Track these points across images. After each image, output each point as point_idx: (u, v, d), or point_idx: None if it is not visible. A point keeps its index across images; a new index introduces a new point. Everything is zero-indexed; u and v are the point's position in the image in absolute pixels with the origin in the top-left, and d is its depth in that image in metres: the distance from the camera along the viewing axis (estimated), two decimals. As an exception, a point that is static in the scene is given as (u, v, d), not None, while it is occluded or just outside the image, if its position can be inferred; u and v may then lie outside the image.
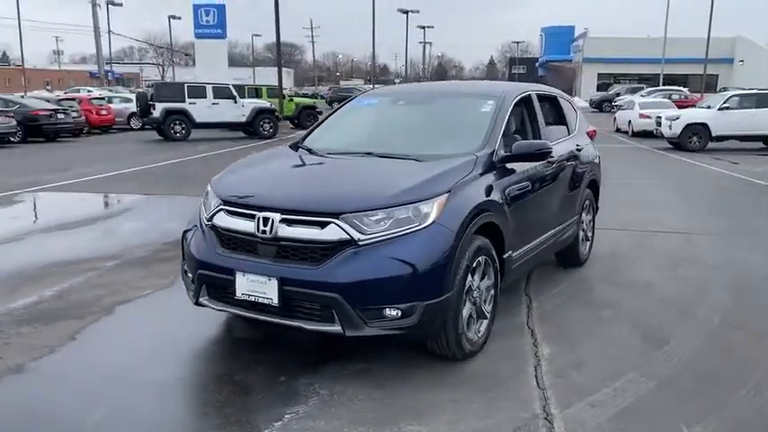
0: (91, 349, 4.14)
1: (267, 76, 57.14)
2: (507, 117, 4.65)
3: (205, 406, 3.40)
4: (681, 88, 38.80)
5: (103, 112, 24.86)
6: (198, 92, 21.36)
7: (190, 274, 4.01)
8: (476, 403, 3.42)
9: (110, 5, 47.91)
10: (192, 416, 3.32)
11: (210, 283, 3.84)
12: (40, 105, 21.09)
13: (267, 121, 22.37)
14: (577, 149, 5.79)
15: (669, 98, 29.90)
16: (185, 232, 4.16)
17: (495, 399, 3.47)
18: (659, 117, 19.91)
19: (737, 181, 12.41)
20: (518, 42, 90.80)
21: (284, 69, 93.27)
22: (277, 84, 27.39)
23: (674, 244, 7.07)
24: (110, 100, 26.85)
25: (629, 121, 24.39)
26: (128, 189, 10.81)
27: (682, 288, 5.51)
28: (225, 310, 3.82)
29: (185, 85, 21.97)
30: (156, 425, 3.21)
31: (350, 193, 3.69)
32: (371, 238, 3.47)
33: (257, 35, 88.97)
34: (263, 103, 23.41)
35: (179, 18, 57.48)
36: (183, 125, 21.08)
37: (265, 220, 3.61)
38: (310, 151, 4.69)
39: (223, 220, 3.85)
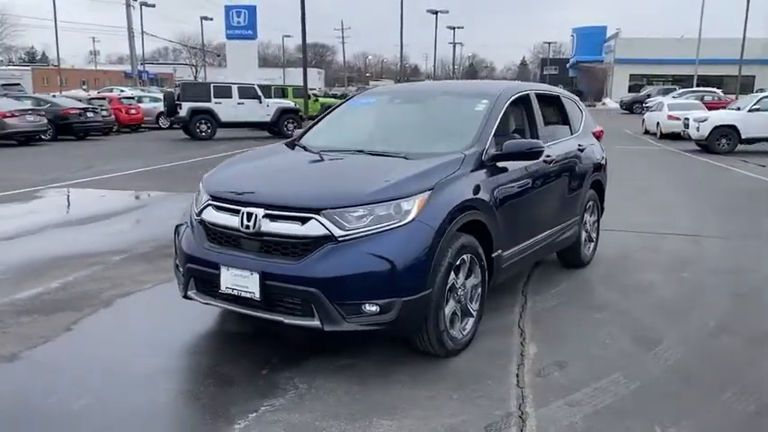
0: (83, 340, 4.25)
1: (298, 77, 57.65)
2: (501, 116, 4.64)
3: (184, 396, 3.47)
4: (714, 89, 38.05)
5: (133, 112, 25.33)
6: (223, 92, 21.66)
7: (180, 269, 4.09)
8: (453, 400, 3.43)
9: (143, 6, 48.70)
10: (169, 406, 3.38)
11: (198, 276, 3.92)
12: (71, 104, 21.59)
13: (291, 120, 22.57)
14: (579, 149, 5.75)
15: (701, 100, 29.32)
16: (178, 227, 4.25)
17: (473, 396, 3.48)
18: (687, 119, 19.56)
19: (762, 184, 12.15)
20: (550, 43, 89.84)
21: (315, 70, 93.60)
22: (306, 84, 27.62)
23: (682, 247, 6.97)
24: (139, 99, 27.36)
25: (658, 123, 24.01)
26: (147, 186, 11.03)
27: (682, 291, 5.44)
28: (211, 304, 3.90)
29: (211, 85, 22.30)
30: (132, 414, 3.28)
31: (331, 189, 3.74)
32: (351, 234, 3.51)
33: (288, 36, 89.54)
34: (288, 103, 23.63)
35: (211, 19, 58.29)
36: (209, 124, 21.38)
37: (249, 215, 3.67)
38: (305, 148, 4.75)
39: (211, 216, 3.92)
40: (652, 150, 19.27)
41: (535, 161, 4.81)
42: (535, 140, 4.52)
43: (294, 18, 30.65)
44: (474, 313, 4.13)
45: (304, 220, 3.56)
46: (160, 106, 26.36)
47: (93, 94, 30.32)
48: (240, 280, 3.65)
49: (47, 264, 5.91)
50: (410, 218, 3.59)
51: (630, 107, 40.99)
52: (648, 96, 38.85)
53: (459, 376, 3.72)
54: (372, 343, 4.09)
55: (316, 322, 3.51)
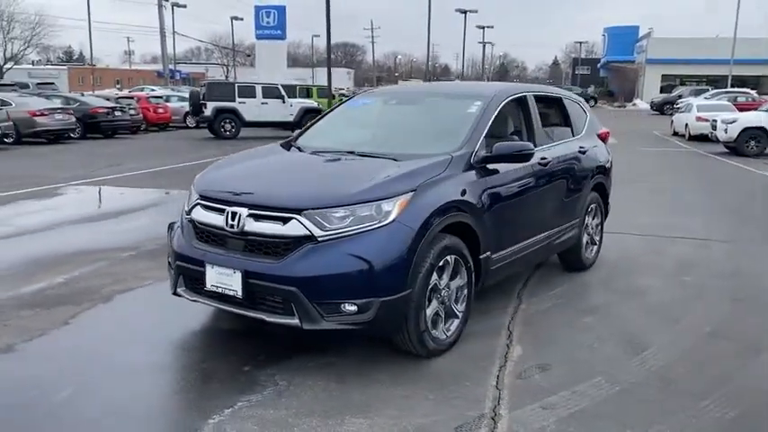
0: (78, 333, 4.38)
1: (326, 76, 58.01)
2: (493, 118, 4.65)
3: (166, 390, 3.57)
4: (748, 90, 37.18)
5: (160, 111, 25.78)
6: (247, 91, 21.92)
7: (172, 266, 4.19)
8: (428, 400, 3.46)
9: (174, 7, 49.45)
10: (149, 399, 3.48)
11: (186, 274, 4.01)
12: (99, 103, 22.05)
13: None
14: (581, 151, 5.72)
15: (734, 101, 28.68)
16: (171, 225, 4.35)
17: (449, 397, 3.50)
18: (715, 120, 19.21)
19: (785, 188, 11.89)
20: (581, 42, 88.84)
21: (344, 70, 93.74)
22: (336, 84, 27.78)
23: (690, 251, 6.87)
24: (167, 99, 27.80)
25: (686, 125, 23.59)
26: (165, 184, 11.24)
27: (681, 296, 5.38)
28: (198, 301, 3.98)
29: (235, 84, 22.59)
30: (110, 406, 3.37)
31: (313, 190, 3.79)
32: (331, 235, 3.56)
33: (317, 36, 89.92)
34: (311, 102, 23.82)
35: (241, 19, 58.90)
36: (233, 124, 21.66)
37: (233, 214, 3.75)
38: (299, 149, 4.82)
39: (199, 215, 4.01)
40: (678, 152, 18.96)
41: (530, 163, 4.80)
42: (525, 143, 4.51)
43: (323, 18, 30.85)
44: (459, 314, 4.15)
45: (285, 220, 3.62)
46: (187, 105, 26.74)
47: (123, 93, 30.85)
48: (224, 278, 3.73)
49: (56, 259, 6.08)
50: (391, 219, 3.63)
51: (661, 108, 40.32)
52: (680, 97, 38.13)
53: (438, 377, 3.75)
54: (356, 342, 4.13)
55: (295, 321, 3.57)
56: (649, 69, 54.94)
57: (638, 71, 57.78)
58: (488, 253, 4.36)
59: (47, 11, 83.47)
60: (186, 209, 4.17)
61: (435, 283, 3.89)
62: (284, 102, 22.24)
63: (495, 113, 4.69)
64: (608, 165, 6.37)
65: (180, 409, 3.35)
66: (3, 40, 58.34)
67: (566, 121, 5.88)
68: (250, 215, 3.71)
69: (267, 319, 3.66)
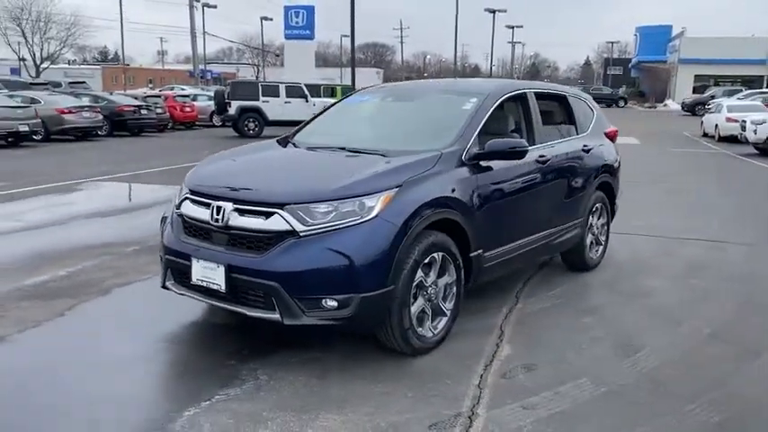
0: (71, 325, 4.44)
1: (357, 76, 58.20)
2: (488, 115, 4.59)
3: (147, 382, 3.61)
4: (784, 91, 36.26)
5: (187, 109, 26.10)
6: (271, 90, 22.08)
7: (162, 259, 4.23)
8: (407, 398, 3.43)
9: (204, 7, 50.05)
10: (129, 391, 3.49)
11: (174, 267, 4.04)
12: (126, 102, 22.42)
13: (337, 119, 22.76)
14: (584, 150, 5.62)
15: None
16: (164, 218, 4.38)
17: (428, 395, 3.47)
18: (744, 121, 18.77)
19: (811, 190, 11.55)
20: (613, 42, 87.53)
21: (374, 69, 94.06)
22: (365, 83, 27.87)
23: (702, 253, 6.71)
24: (194, 98, 28.13)
25: (716, 125, 23.08)
26: (181, 181, 11.34)
27: (685, 298, 5.25)
28: (184, 295, 4.00)
29: (259, 83, 22.78)
30: (90, 396, 3.42)
31: (297, 185, 3.79)
32: (313, 230, 3.55)
33: (345, 36, 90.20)
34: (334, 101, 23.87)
35: (270, 19, 59.38)
36: (257, 122, 21.83)
37: (218, 208, 3.77)
38: (294, 145, 4.83)
39: (188, 209, 4.04)
40: (705, 153, 18.56)
41: (527, 161, 4.74)
42: (518, 140, 4.44)
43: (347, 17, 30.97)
44: (447, 312, 4.11)
45: (268, 215, 3.62)
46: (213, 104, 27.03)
47: (151, 92, 31.30)
48: (209, 272, 3.75)
49: (63, 253, 6.19)
50: (373, 214, 3.60)
51: (693, 109, 39.53)
52: (713, 98, 37.36)
53: (420, 374, 3.71)
54: (342, 338, 4.12)
55: (276, 316, 3.57)
56: (682, 69, 53.91)
57: (670, 71, 56.73)
58: (480, 251, 4.31)
59: (82, 11, 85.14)
60: (176, 203, 4.20)
61: (421, 281, 3.85)
62: (307, 101, 22.33)
63: (491, 110, 4.63)
64: (615, 164, 6.26)
65: (158, 400, 3.37)
66: (40, 41, 59.73)
67: (570, 118, 5.79)
68: (235, 210, 3.73)
69: (249, 313, 3.67)
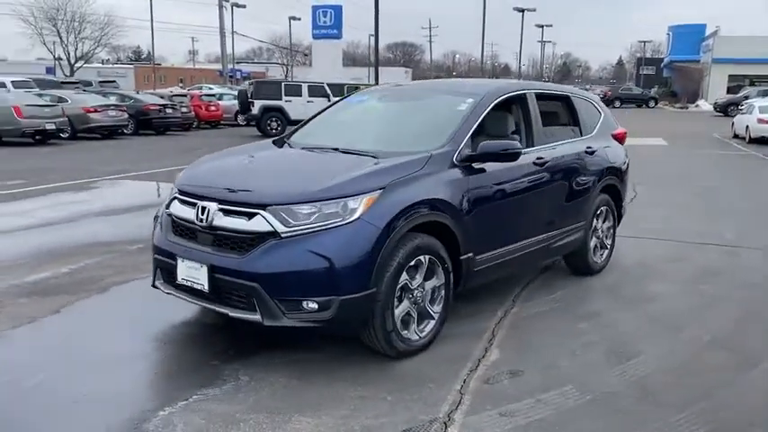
0: (64, 322, 4.49)
1: (385, 76, 58.25)
2: (483, 116, 4.52)
3: (129, 381, 3.61)
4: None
5: (212, 108, 26.35)
6: (294, 90, 22.20)
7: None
8: (385, 401, 3.39)
9: (234, 7, 50.51)
10: (110, 388, 3.50)
11: (162, 267, 4.06)
12: (152, 101, 22.71)
13: (359, 118, 22.79)
14: (588, 152, 5.51)
15: (804, 102, 27.21)
16: (156, 217, 4.41)
17: (407, 399, 3.42)
18: (774, 122, 18.30)
19: (839, 194, 11.20)
20: (645, 42, 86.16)
21: (402, 69, 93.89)
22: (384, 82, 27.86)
23: (714, 257, 6.54)
24: (220, 97, 28.38)
25: (747, 127, 22.52)
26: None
27: (689, 304, 5.12)
28: (172, 294, 4.01)
29: (282, 83, 22.90)
30: (72, 393, 3.44)
31: (280, 186, 3.77)
32: (294, 231, 3.53)
33: (373, 35, 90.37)
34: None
35: (299, 19, 59.74)
36: (279, 122, 21.95)
37: (203, 209, 3.77)
38: (289, 146, 4.82)
39: (176, 209, 4.05)
40: (734, 155, 18.11)
41: (524, 162, 4.67)
42: (511, 141, 4.36)
43: (382, 18, 31.00)
44: (435, 316, 4.06)
45: (251, 216, 3.61)
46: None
47: (177, 91, 31.65)
48: (193, 272, 3.76)
49: (67, 250, 6.28)
50: (355, 216, 3.57)
51: (725, 110, 38.61)
52: (746, 98, 36.48)
53: (402, 378, 3.67)
54: (331, 340, 4.09)
55: (257, 317, 3.56)
56: (715, 69, 52.75)
57: (703, 71, 55.58)
58: (471, 254, 4.24)
59: (116, 12, 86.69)
60: (166, 203, 4.22)
61: (406, 283, 3.81)
62: (329, 100, 22.33)
63: (486, 112, 4.56)
64: (623, 166, 6.12)
65: (138, 399, 3.38)
66: (74, 40, 60.99)
67: (573, 120, 5.68)
68: (220, 210, 3.72)
69: (231, 314, 3.66)
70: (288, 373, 3.69)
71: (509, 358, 3.99)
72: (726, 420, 3.30)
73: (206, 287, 3.69)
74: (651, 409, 3.38)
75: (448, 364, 3.88)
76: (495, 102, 4.69)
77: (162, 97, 24.39)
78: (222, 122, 27.48)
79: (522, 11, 53.47)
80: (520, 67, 64.65)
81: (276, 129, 21.96)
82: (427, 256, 3.91)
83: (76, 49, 60.94)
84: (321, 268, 3.48)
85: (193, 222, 3.83)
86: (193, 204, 3.87)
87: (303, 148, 4.60)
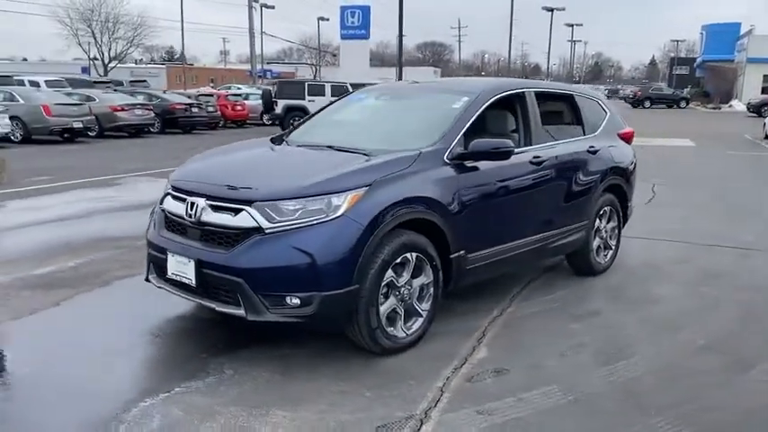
0: (63, 315, 4.59)
1: (414, 76, 58.28)
2: (478, 114, 4.51)
3: (117, 373, 3.68)
4: None
5: (238, 108, 26.65)
6: (317, 90, 22.35)
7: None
8: (364, 397, 3.41)
9: (263, 8, 50.98)
10: (97, 379, 3.58)
11: (155, 261, 4.14)
12: (178, 100, 23.06)
13: (381, 117, 22.85)
14: (590, 151, 5.45)
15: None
16: (152, 213, 4.49)
17: (386, 395, 3.43)
18: (804, 123, 17.86)
19: None
20: (678, 41, 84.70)
21: (431, 68, 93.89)
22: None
23: (724, 260, 6.41)
24: (246, 96, 28.67)
25: (778, 128, 22.06)
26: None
27: (690, 306, 5.03)
28: (163, 288, 4.09)
29: (305, 83, 23.05)
30: (59, 382, 3.54)
31: (266, 182, 3.81)
32: (278, 227, 3.57)
33: (402, 35, 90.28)
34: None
35: (327, 20, 60.07)
36: (302, 121, 22.07)
37: (192, 204, 3.83)
38: (286, 143, 4.86)
39: (168, 204, 4.13)
40: (762, 157, 17.72)
41: (519, 161, 4.66)
42: (503, 140, 4.34)
43: (411, 18, 31.08)
44: (423, 313, 4.06)
45: (237, 211, 3.66)
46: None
47: (204, 90, 32.03)
48: (181, 266, 3.82)
49: (78, 245, 6.42)
50: (339, 213, 3.59)
51: (759, 110, 37.73)
52: (781, 98, 35.65)
53: (385, 374, 3.68)
54: (320, 336, 4.11)
55: (241, 311, 3.61)
56: (750, 69, 51.56)
57: (737, 71, 54.40)
58: (462, 252, 4.24)
59: (149, 12, 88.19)
60: (160, 198, 4.30)
61: (392, 280, 3.82)
62: (352, 100, 22.45)
63: (480, 110, 4.55)
64: (629, 166, 6.03)
65: (122, 390, 3.43)
66: (108, 41, 62.18)
67: (576, 119, 5.63)
68: (209, 206, 3.78)
69: (217, 308, 3.73)
70: (272, 367, 3.73)
71: (496, 357, 3.97)
72: (709, 423, 3.25)
73: (193, 282, 3.75)
74: (633, 410, 3.35)
75: (433, 361, 3.88)
76: (491, 100, 4.67)
77: (188, 97, 24.75)
78: (248, 122, 27.76)
79: (551, 10, 52.98)
80: (548, 67, 64.04)
81: (299, 128, 22.10)
82: (414, 254, 3.91)
83: (110, 49, 62.13)
84: (303, 264, 3.51)
85: (183, 218, 3.90)
86: (184, 200, 3.94)
87: (299, 146, 4.65)
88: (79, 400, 3.37)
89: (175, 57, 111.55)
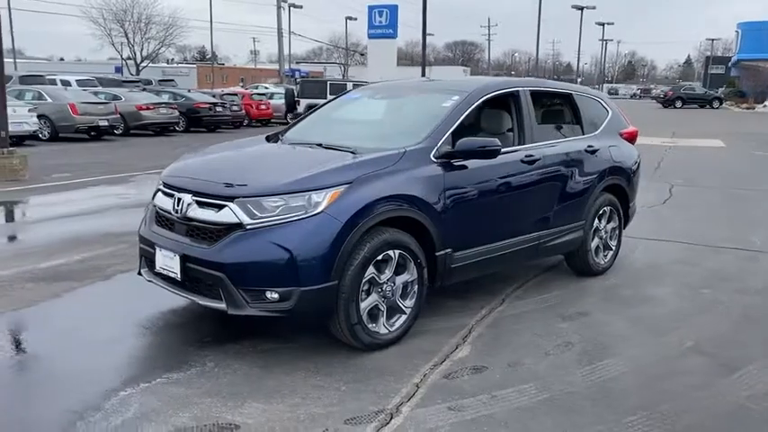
0: (62, 307, 4.73)
1: (441, 74, 58.21)
2: (467, 113, 4.54)
3: (102, 362, 3.77)
4: None
5: (263, 107, 26.90)
6: (339, 89, 22.37)
7: (142, 247, 4.44)
8: (339, 392, 3.46)
9: (291, 8, 51.38)
10: (83, 369, 3.69)
11: (146, 256, 4.25)
12: (202, 99, 23.38)
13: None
14: (588, 150, 5.42)
15: None
16: (146, 208, 4.60)
17: (361, 390, 3.48)
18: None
19: None
20: (713, 39, 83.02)
21: (461, 68, 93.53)
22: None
23: (730, 262, 6.31)
24: (271, 96, 28.93)
25: (810, 128, 21.51)
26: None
27: (687, 308, 4.98)
28: (152, 282, 4.19)
29: (327, 82, 23.20)
30: (48, 373, 3.67)
31: (249, 179, 3.88)
32: (259, 223, 3.64)
33: (430, 34, 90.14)
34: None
35: (355, 19, 60.32)
36: (324, 120, 22.22)
37: (179, 200, 3.93)
38: (280, 141, 4.94)
39: (159, 200, 4.24)
40: (790, 158, 17.30)
41: (510, 160, 4.68)
42: (490, 138, 4.35)
43: (442, 17, 31.02)
44: (407, 310, 4.09)
45: (220, 207, 3.74)
46: (289, 102, 27.68)
47: (229, 89, 32.41)
48: (168, 261, 3.92)
49: (87, 239, 6.59)
50: (318, 210, 3.65)
51: (794, 110, 36.88)
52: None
53: (365, 370, 3.72)
54: (308, 331, 4.16)
55: (222, 305, 3.69)
56: (788, 68, 50.37)
57: (774, 70, 53.14)
58: (448, 250, 4.26)
59: (180, 13, 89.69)
60: (153, 194, 4.40)
61: (373, 277, 3.86)
62: (374, 99, 22.55)
63: (470, 109, 4.57)
64: (633, 166, 5.98)
65: (103, 380, 3.52)
66: (140, 41, 63.34)
67: (575, 118, 5.60)
68: (195, 201, 3.87)
69: (200, 302, 3.82)
70: (254, 361, 3.80)
71: (477, 355, 3.99)
72: (682, 425, 3.23)
73: (179, 276, 3.85)
74: (606, 409, 3.34)
75: (415, 358, 3.91)
76: (482, 99, 4.68)
77: (213, 96, 25.06)
78: (273, 121, 27.99)
79: (582, 9, 52.37)
80: (578, 66, 63.32)
81: (321, 127, 22.27)
82: (397, 251, 3.95)
83: (142, 49, 63.27)
84: (282, 259, 3.58)
85: (170, 213, 4.00)
86: (172, 196, 4.04)
87: (291, 144, 4.72)
88: (62, 388, 3.47)
89: (207, 56, 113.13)
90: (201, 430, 3.05)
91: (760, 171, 13.94)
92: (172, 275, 3.90)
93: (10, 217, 8.33)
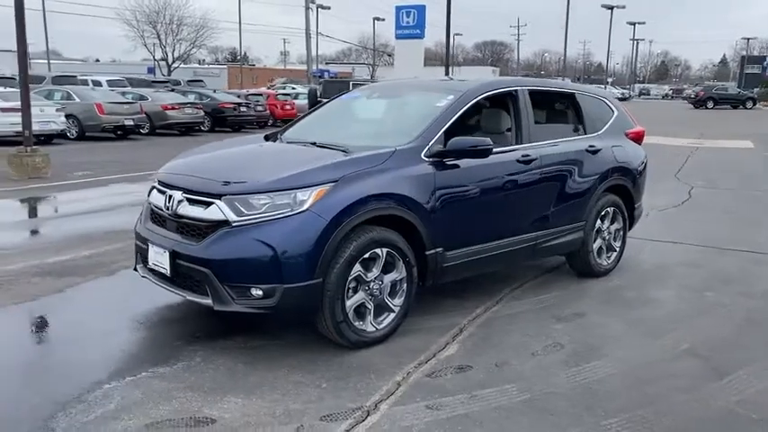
0: (63, 301, 4.85)
1: (470, 74, 57.88)
2: (461, 113, 4.53)
3: (93, 356, 3.86)
4: None
5: (287, 107, 27.06)
6: (362, 89, 22.49)
7: (139, 244, 4.53)
8: (319, 389, 3.49)
9: (319, 9, 51.67)
10: (72, 361, 3.78)
11: (140, 252, 4.33)
12: (227, 99, 23.65)
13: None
14: (589, 150, 5.37)
15: None
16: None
17: (342, 387, 3.50)
18: None
19: None
20: (749, 39, 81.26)
21: (490, 68, 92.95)
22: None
23: (738, 265, 6.18)
24: (296, 96, 29.12)
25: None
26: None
27: (686, 311, 4.90)
28: (146, 278, 4.27)
29: (350, 82, 23.22)
30: (39, 363, 3.78)
31: (237, 176, 3.92)
32: (245, 221, 3.68)
33: (458, 34, 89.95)
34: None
35: (383, 20, 60.36)
36: (347, 120, 22.29)
37: (170, 197, 4.00)
38: (277, 140, 4.99)
39: (153, 197, 4.32)
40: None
41: (506, 160, 4.66)
42: (482, 138, 4.33)
43: (471, 17, 30.91)
44: (395, 309, 4.11)
45: (207, 204, 3.80)
46: (313, 102, 27.81)
47: (254, 90, 32.66)
48: (159, 257, 3.99)
49: (97, 236, 6.73)
50: (303, 208, 3.68)
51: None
52: None
53: (349, 368, 3.74)
54: (298, 329, 4.19)
55: (209, 301, 3.74)
56: (825, 68, 49.06)
57: (811, 70, 51.78)
58: (440, 249, 4.26)
59: (212, 14, 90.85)
60: (148, 192, 4.49)
61: (359, 275, 3.88)
62: (397, 99, 22.54)
63: (464, 108, 4.56)
64: (638, 166, 5.89)
65: (91, 373, 3.60)
66: (172, 42, 64.20)
67: (577, 118, 5.55)
68: (185, 198, 3.93)
69: (187, 297, 3.88)
70: (239, 357, 3.85)
71: (464, 354, 3.98)
72: (661, 428, 3.18)
73: (168, 271, 3.91)
74: (585, 411, 3.31)
75: (400, 356, 3.92)
76: (477, 99, 4.67)
77: (238, 96, 25.32)
78: (297, 120, 28.14)
79: (611, 8, 51.70)
80: (608, 66, 62.50)
81: (344, 127, 22.34)
82: (385, 249, 3.96)
83: (173, 50, 64.12)
84: (265, 256, 3.62)
85: (162, 210, 4.07)
86: (163, 193, 4.11)
87: (287, 143, 4.77)
88: (49, 379, 3.57)
89: (238, 57, 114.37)
90: (178, 423, 3.10)
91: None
92: (162, 271, 3.97)
93: (28, 213, 8.55)
